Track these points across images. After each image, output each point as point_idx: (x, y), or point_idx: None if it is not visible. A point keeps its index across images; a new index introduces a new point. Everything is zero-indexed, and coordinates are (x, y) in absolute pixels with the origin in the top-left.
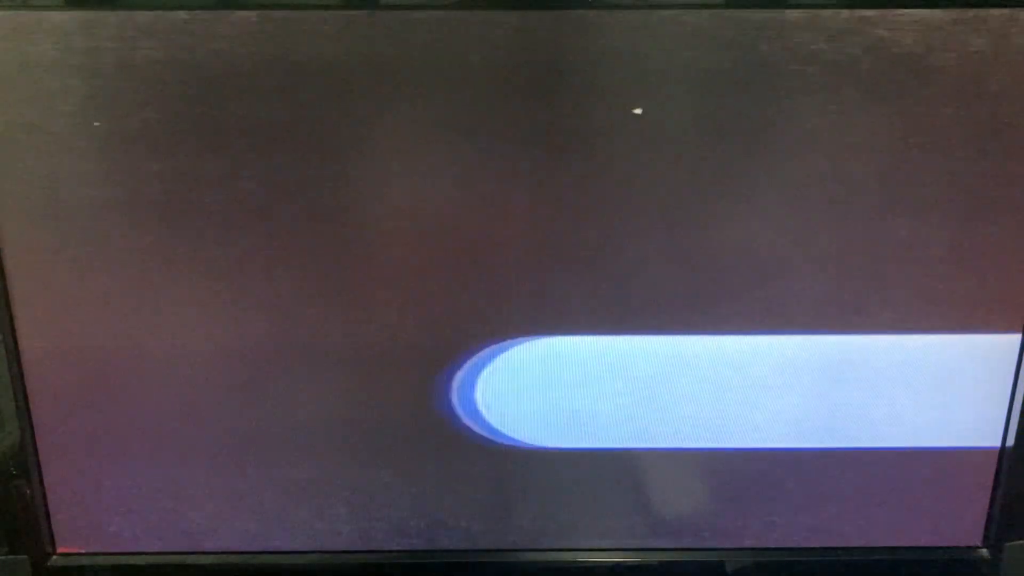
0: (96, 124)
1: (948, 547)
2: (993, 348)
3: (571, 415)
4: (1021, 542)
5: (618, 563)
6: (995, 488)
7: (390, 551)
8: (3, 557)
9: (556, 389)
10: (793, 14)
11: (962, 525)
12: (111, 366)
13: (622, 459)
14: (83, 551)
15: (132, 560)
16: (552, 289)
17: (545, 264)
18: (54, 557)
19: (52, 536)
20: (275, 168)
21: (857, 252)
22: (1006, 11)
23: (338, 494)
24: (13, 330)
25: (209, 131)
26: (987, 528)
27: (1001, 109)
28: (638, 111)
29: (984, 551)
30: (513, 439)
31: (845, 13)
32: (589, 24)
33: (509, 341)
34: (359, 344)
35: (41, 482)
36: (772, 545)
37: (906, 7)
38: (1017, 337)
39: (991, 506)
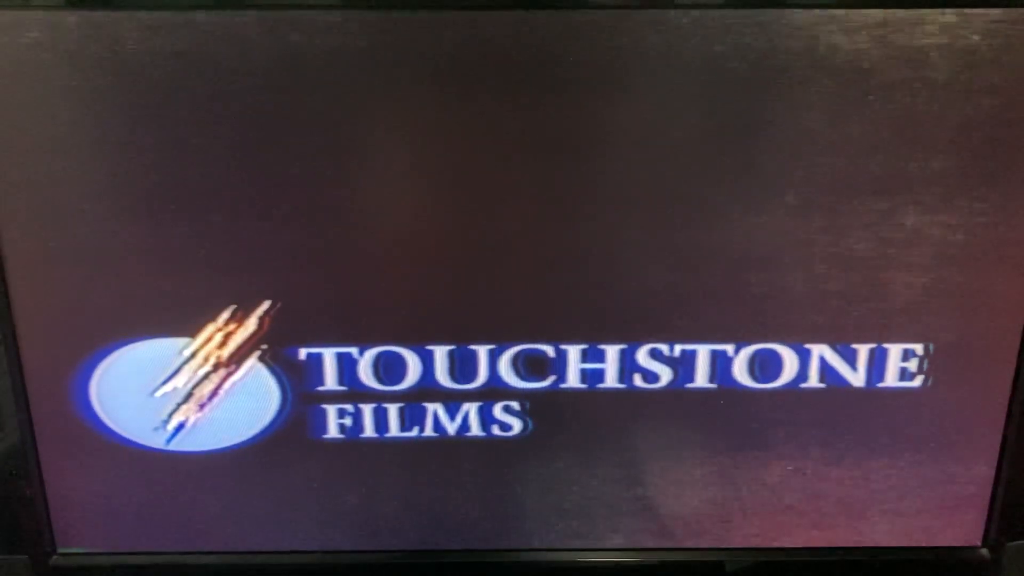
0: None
1: (948, 547)
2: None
3: None
4: (1021, 542)
5: (618, 563)
6: (995, 488)
7: (390, 551)
8: (3, 557)
9: None
10: (793, 14)
11: (962, 525)
12: (111, 366)
13: None
14: (83, 551)
15: (132, 560)
16: None
17: None
18: (54, 557)
19: (52, 536)
20: (276, 169)
21: (859, 257)
22: (1005, 11)
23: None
24: (13, 330)
25: (210, 131)
26: (987, 528)
27: (1001, 110)
28: None
29: (984, 551)
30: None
31: (845, 13)
32: (589, 24)
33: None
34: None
35: (41, 482)
36: (772, 545)
37: (906, 7)
38: (1015, 340)
39: (991, 506)
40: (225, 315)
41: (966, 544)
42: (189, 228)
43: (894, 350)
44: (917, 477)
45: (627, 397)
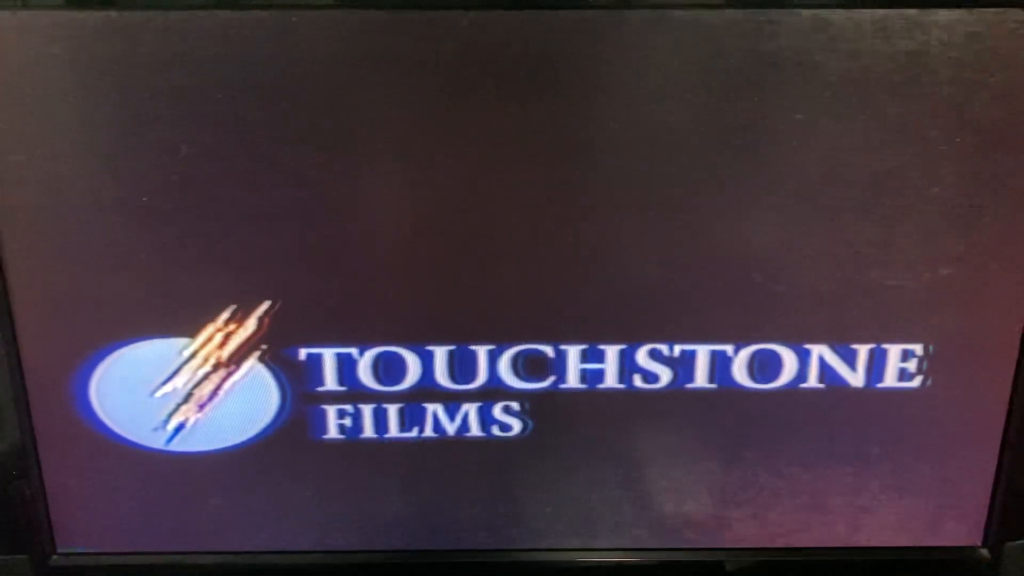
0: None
1: (948, 547)
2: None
3: None
4: (1021, 542)
5: (618, 563)
6: (995, 488)
7: (390, 551)
8: (3, 557)
9: None
10: (793, 14)
11: (962, 525)
12: (111, 366)
13: None
14: (83, 551)
15: (132, 560)
16: None
17: None
18: (54, 557)
19: (52, 536)
20: (275, 169)
21: (859, 257)
22: (1005, 11)
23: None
24: (13, 330)
25: (210, 131)
26: (987, 528)
27: (1002, 110)
28: None
29: (984, 551)
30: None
31: (845, 13)
32: (589, 24)
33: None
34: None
35: (41, 482)
36: (772, 545)
37: (906, 7)
38: (1015, 340)
39: (991, 506)
40: (225, 315)
41: (966, 544)
42: (189, 228)
43: (894, 350)
44: (917, 477)
45: (627, 397)
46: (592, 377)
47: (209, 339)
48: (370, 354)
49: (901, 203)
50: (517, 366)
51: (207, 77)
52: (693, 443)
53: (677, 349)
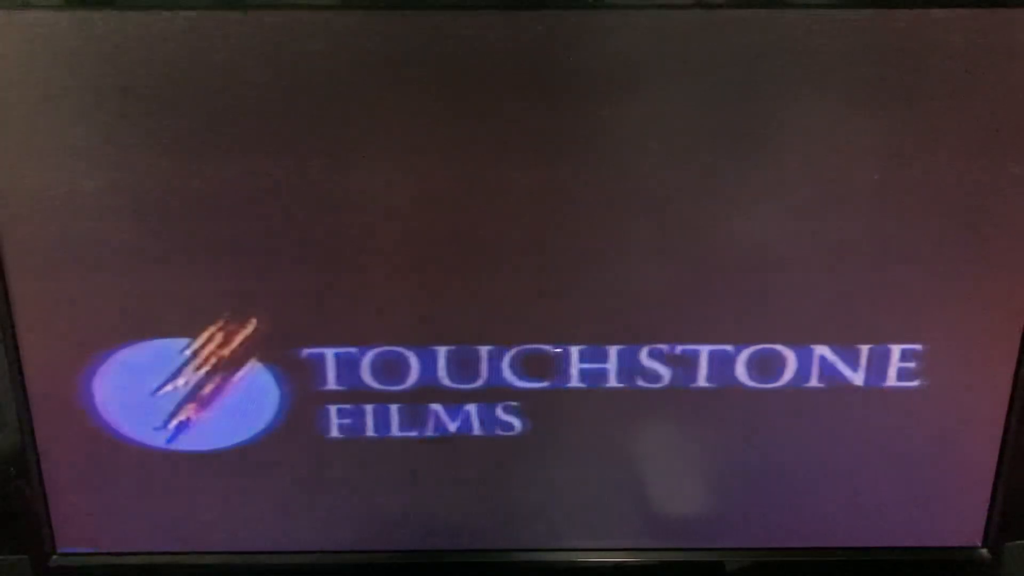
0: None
1: (948, 547)
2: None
3: None
4: (1021, 542)
5: (619, 563)
6: (995, 488)
7: (390, 551)
8: (3, 557)
9: None
10: (794, 14)
11: (962, 525)
12: (112, 366)
13: None
14: (83, 551)
15: (132, 560)
16: None
17: None
18: (54, 557)
19: (52, 536)
20: (276, 169)
21: (859, 257)
22: (1006, 11)
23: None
24: (14, 331)
25: (210, 131)
26: (987, 528)
27: (1002, 110)
28: None
29: (984, 551)
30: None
31: (845, 13)
32: (589, 24)
33: None
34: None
35: (41, 482)
36: (772, 545)
37: (906, 7)
38: (1015, 340)
39: (991, 506)
40: (225, 315)
41: (966, 544)
42: (189, 228)
43: (894, 350)
44: (917, 477)
45: (628, 397)
46: (594, 377)
47: (209, 339)
48: (371, 354)
49: (901, 203)
50: (519, 366)
51: (207, 78)
52: (694, 443)
53: (679, 349)
